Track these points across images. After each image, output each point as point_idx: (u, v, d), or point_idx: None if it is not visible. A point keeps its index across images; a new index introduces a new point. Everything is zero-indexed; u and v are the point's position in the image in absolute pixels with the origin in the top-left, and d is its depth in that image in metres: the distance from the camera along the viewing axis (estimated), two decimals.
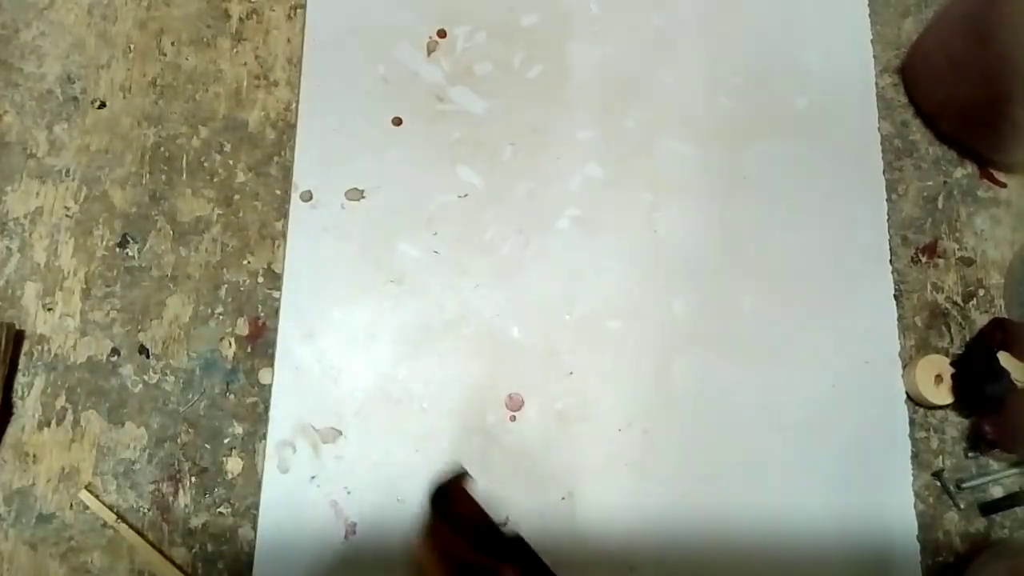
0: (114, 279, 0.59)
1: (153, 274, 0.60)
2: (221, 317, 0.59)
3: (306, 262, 0.60)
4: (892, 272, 0.63)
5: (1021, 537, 0.59)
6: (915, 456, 0.59)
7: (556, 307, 0.60)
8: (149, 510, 0.55)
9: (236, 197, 0.62)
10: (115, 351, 0.58)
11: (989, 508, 0.58)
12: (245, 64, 0.65)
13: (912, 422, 0.59)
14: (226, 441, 0.57)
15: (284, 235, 0.60)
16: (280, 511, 0.55)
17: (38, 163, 0.62)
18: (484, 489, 0.56)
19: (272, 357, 0.58)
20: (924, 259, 0.64)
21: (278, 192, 0.62)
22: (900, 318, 0.62)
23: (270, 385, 0.57)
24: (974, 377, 0.58)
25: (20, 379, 0.57)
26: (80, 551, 0.54)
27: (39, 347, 0.58)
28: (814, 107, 0.66)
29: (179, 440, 0.57)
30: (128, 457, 0.56)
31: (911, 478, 0.58)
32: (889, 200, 0.64)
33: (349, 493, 0.55)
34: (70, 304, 0.59)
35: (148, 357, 0.58)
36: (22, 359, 0.58)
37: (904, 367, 0.60)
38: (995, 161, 0.66)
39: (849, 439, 0.59)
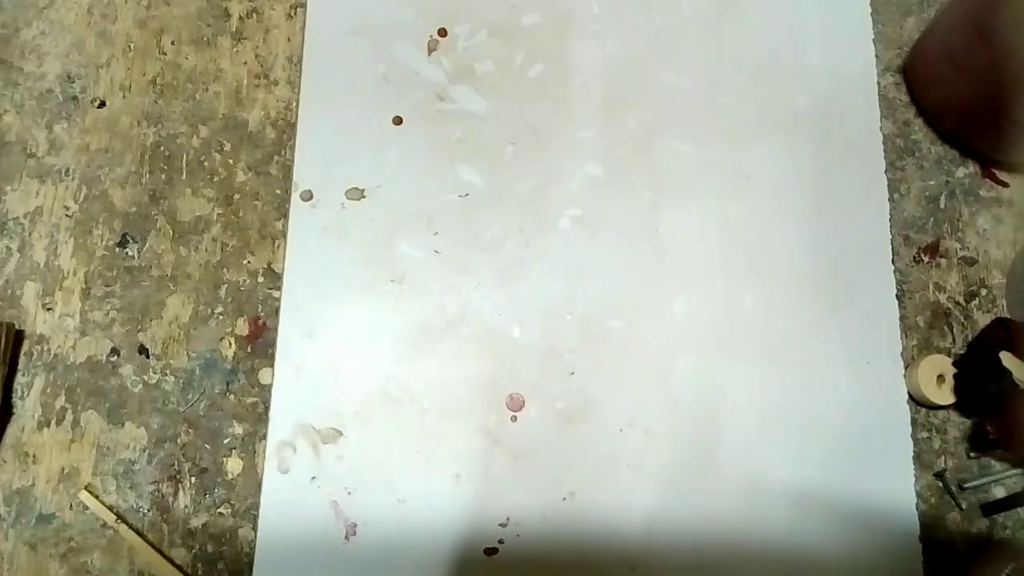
0: (114, 279, 0.59)
1: (153, 274, 0.60)
2: (221, 317, 0.59)
3: (306, 262, 0.59)
4: (894, 272, 0.62)
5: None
6: (917, 456, 0.59)
7: (557, 307, 0.60)
8: (149, 510, 0.55)
9: (236, 197, 0.62)
10: (115, 351, 0.58)
11: (991, 508, 0.58)
12: (245, 63, 0.64)
13: (914, 422, 0.59)
14: (226, 441, 0.57)
15: (284, 235, 0.60)
16: (280, 512, 0.55)
17: (38, 162, 0.62)
18: (485, 490, 0.56)
19: (272, 357, 0.57)
20: (926, 259, 0.64)
21: (278, 192, 0.62)
22: (902, 318, 0.62)
23: (270, 385, 0.57)
24: (976, 377, 0.58)
25: (20, 379, 0.57)
26: (80, 551, 0.54)
27: (39, 347, 0.58)
28: (815, 106, 0.66)
29: (179, 440, 0.56)
30: (128, 457, 0.56)
31: (913, 478, 0.58)
32: (891, 200, 0.64)
33: (349, 494, 0.55)
34: (70, 304, 0.59)
35: (148, 357, 0.58)
36: (22, 359, 0.57)
37: (906, 367, 0.60)
38: (998, 161, 0.66)
39: (850, 439, 0.59)
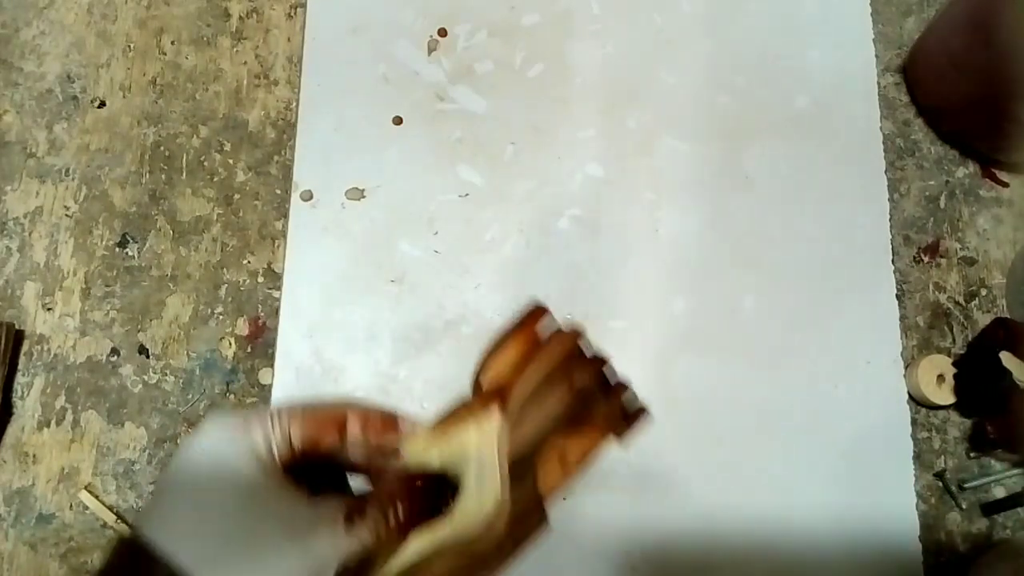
0: (114, 279, 0.59)
1: (153, 274, 0.60)
2: (221, 317, 0.59)
3: (306, 262, 0.59)
4: (894, 272, 0.62)
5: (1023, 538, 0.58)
6: (917, 456, 0.59)
7: (557, 307, 0.59)
8: None
9: (236, 197, 0.62)
10: (115, 351, 0.58)
11: (991, 508, 0.58)
12: (245, 63, 0.65)
13: (914, 422, 0.59)
14: None
15: (284, 235, 0.60)
16: None
17: (38, 162, 0.62)
18: None
19: (272, 357, 0.57)
20: (926, 259, 0.64)
21: (278, 192, 0.62)
22: (902, 318, 0.62)
23: (270, 385, 0.57)
24: (976, 377, 0.58)
25: (19, 379, 0.57)
26: (80, 551, 0.54)
27: (39, 347, 0.58)
28: (815, 106, 0.66)
29: (179, 440, 0.56)
30: (128, 457, 0.56)
31: (913, 478, 0.58)
32: (891, 200, 0.64)
33: None
34: (70, 304, 0.59)
35: (148, 357, 0.58)
36: (21, 359, 0.57)
37: (906, 367, 0.60)
38: (997, 160, 0.66)
39: (851, 439, 0.59)
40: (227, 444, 0.30)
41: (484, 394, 0.34)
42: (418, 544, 0.31)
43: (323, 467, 0.33)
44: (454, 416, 0.33)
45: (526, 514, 0.33)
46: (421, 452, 0.33)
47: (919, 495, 0.58)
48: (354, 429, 0.33)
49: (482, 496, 0.31)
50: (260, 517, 0.29)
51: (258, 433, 0.30)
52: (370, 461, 0.35)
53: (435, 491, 0.32)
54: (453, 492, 0.32)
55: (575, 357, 0.33)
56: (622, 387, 0.35)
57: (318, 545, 0.28)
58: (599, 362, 0.33)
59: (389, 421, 0.34)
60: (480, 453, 0.32)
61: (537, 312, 0.35)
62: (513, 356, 0.34)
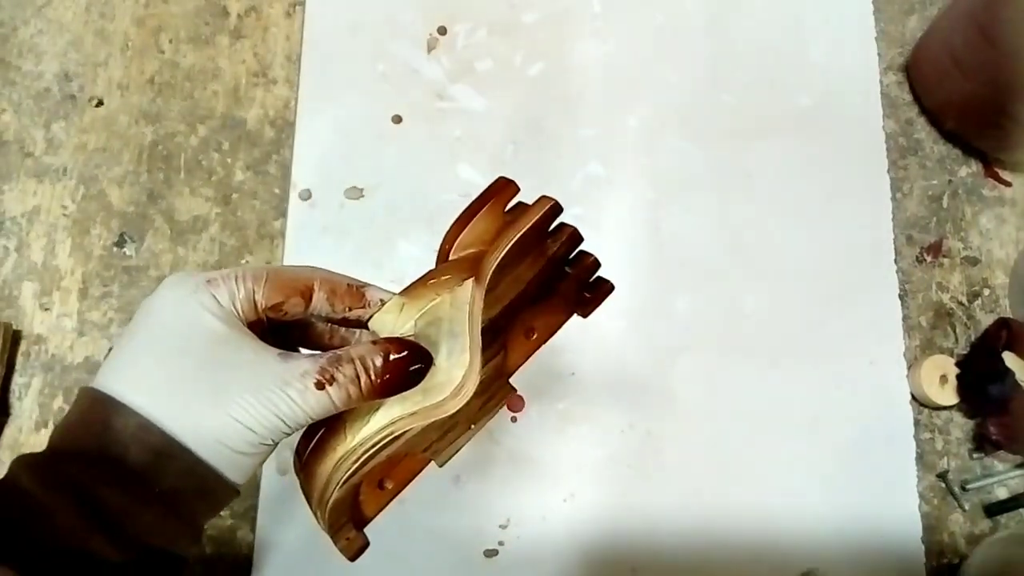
0: (112, 279, 0.59)
1: (151, 274, 0.59)
2: None
3: (305, 262, 0.59)
4: (897, 272, 0.62)
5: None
6: (920, 457, 0.58)
7: None
8: None
9: (234, 196, 0.61)
10: None
11: (994, 509, 0.58)
12: (244, 62, 0.64)
13: (917, 423, 0.59)
14: None
15: (283, 234, 0.60)
16: (279, 513, 0.54)
17: (35, 162, 0.61)
18: (485, 491, 0.56)
19: None
20: (929, 258, 0.63)
21: (277, 191, 0.61)
22: (905, 318, 0.61)
23: None
24: (979, 377, 0.58)
25: (17, 380, 0.57)
26: None
27: (36, 347, 0.57)
28: (818, 105, 0.65)
29: None
30: None
31: (915, 479, 0.58)
32: (894, 199, 0.64)
33: None
34: (67, 304, 0.58)
35: None
36: (19, 360, 0.57)
37: (909, 368, 0.60)
38: (1000, 160, 0.65)
39: (853, 440, 0.58)
40: (190, 297, 0.29)
41: (457, 262, 0.34)
42: (389, 409, 0.31)
43: (287, 339, 0.33)
44: (424, 286, 0.33)
45: (493, 383, 0.34)
46: (391, 323, 0.33)
47: (921, 496, 0.58)
48: (320, 296, 0.32)
49: (452, 364, 0.32)
50: (224, 366, 0.28)
51: (222, 290, 0.29)
52: (333, 333, 0.35)
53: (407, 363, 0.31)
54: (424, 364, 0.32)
55: (548, 226, 0.34)
56: (589, 258, 0.35)
57: (285, 400, 0.28)
58: (570, 231, 0.34)
59: (357, 291, 0.34)
60: (452, 322, 0.32)
61: (507, 187, 0.34)
62: (483, 228, 0.35)
